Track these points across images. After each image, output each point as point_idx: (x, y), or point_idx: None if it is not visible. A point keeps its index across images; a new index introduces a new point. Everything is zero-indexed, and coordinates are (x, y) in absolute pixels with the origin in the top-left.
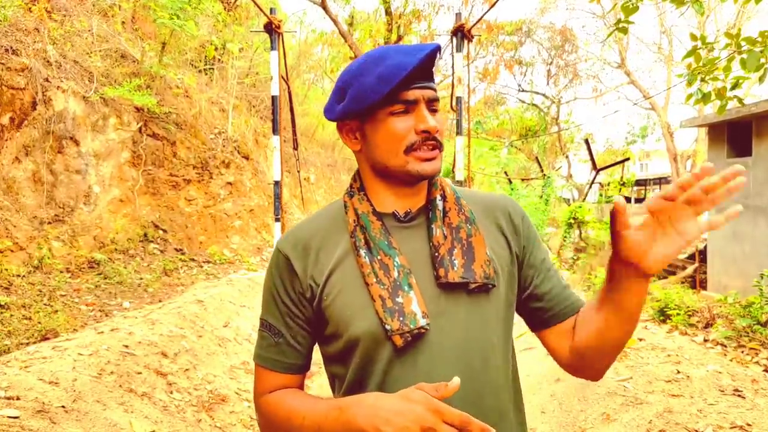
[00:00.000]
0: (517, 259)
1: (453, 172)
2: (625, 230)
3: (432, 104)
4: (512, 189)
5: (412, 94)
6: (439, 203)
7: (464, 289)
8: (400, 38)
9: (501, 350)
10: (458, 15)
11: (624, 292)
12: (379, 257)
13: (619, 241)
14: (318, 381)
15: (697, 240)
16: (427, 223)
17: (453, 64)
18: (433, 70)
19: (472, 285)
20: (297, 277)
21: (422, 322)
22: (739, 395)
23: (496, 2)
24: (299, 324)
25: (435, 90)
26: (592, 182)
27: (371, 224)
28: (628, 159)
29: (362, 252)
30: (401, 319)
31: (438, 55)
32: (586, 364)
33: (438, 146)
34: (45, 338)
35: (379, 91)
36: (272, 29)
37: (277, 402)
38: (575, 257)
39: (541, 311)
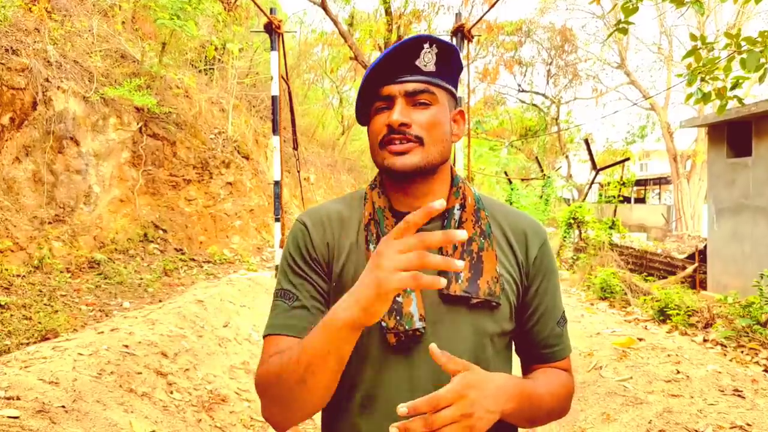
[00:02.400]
0: (522, 285)
1: (453, 165)
2: None
3: (416, 97)
4: (512, 189)
5: (387, 89)
6: (456, 213)
7: (466, 302)
8: (399, 39)
9: (497, 367)
10: (458, 15)
11: None
12: None
13: None
14: None
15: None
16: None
17: None
18: (425, 59)
19: (474, 300)
20: (314, 245)
21: (418, 324)
22: (738, 395)
23: (495, 2)
24: (314, 287)
25: (425, 82)
26: (592, 182)
27: (385, 220)
28: (628, 159)
29: (371, 246)
30: (398, 318)
31: (427, 46)
32: None
33: (411, 140)
34: (45, 338)
35: (359, 90)
36: (272, 29)
37: (279, 356)
38: (575, 257)
39: (521, 342)
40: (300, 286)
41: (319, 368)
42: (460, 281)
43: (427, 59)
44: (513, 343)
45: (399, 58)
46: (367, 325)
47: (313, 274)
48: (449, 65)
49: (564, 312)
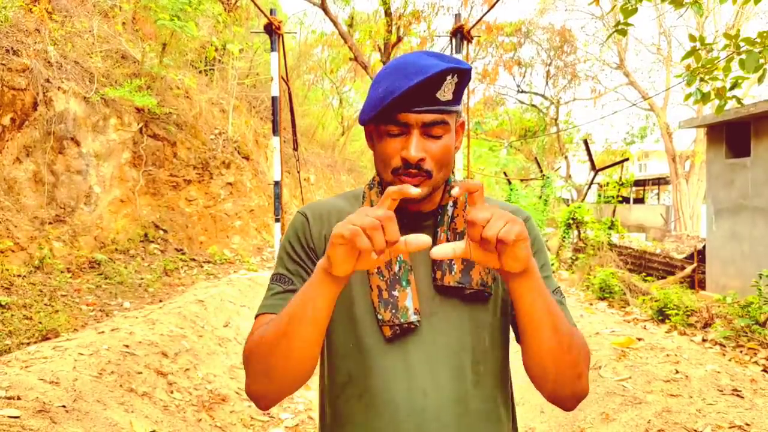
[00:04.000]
0: None
1: (453, 173)
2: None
3: (431, 129)
4: (511, 189)
5: (404, 117)
6: (449, 209)
7: (460, 293)
8: (399, 39)
9: (494, 357)
10: (458, 16)
11: (512, 297)
12: None
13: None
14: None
15: (507, 222)
16: (434, 227)
17: None
18: (445, 90)
19: (467, 290)
20: (312, 235)
21: (413, 317)
22: (737, 395)
23: (495, 3)
24: (309, 273)
25: (442, 112)
26: (591, 183)
27: None
28: (627, 159)
29: None
30: (393, 311)
31: (450, 77)
32: (539, 389)
33: (421, 175)
34: (46, 338)
35: (373, 109)
36: (272, 30)
37: (266, 326)
38: (574, 257)
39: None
40: (295, 272)
41: (297, 318)
42: (453, 272)
43: (447, 90)
44: (510, 330)
45: (420, 90)
46: (333, 273)
47: (309, 261)
48: (461, 88)
49: (560, 288)
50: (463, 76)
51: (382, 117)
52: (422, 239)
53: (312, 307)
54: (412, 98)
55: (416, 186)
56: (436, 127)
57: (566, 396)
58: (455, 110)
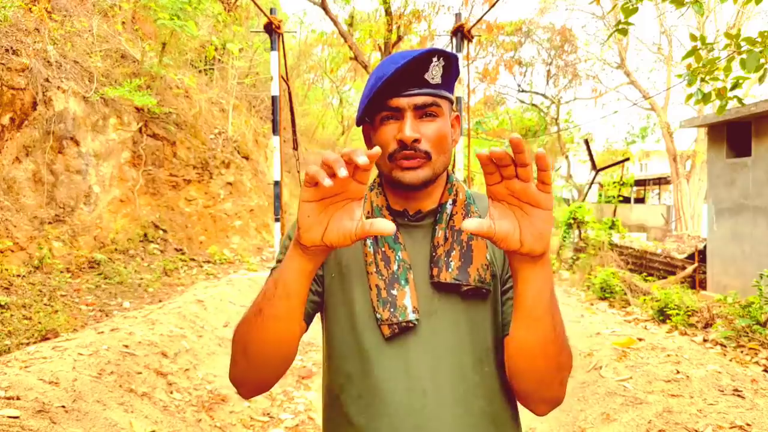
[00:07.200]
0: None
1: (453, 172)
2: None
3: (425, 110)
4: None
5: (396, 102)
6: (448, 207)
7: (458, 290)
8: (399, 39)
9: (497, 356)
10: (458, 15)
11: (518, 284)
12: (383, 249)
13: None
14: (318, 381)
15: (550, 206)
16: (433, 225)
17: None
18: (433, 72)
19: (464, 287)
20: None
21: (411, 316)
22: (738, 395)
23: (496, 2)
24: None
25: (432, 95)
26: (592, 182)
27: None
28: (627, 159)
29: (368, 242)
30: (392, 310)
31: (435, 59)
32: (516, 386)
33: (420, 155)
34: (45, 338)
35: (365, 98)
36: (272, 29)
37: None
38: (575, 257)
39: (503, 314)
40: None
41: (269, 294)
42: (450, 269)
43: (435, 72)
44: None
45: (409, 72)
46: (302, 241)
47: None
48: (451, 75)
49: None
50: (449, 59)
51: (374, 105)
52: (386, 225)
53: (282, 282)
54: (402, 81)
55: (417, 168)
56: (428, 108)
57: (544, 399)
58: (446, 96)
